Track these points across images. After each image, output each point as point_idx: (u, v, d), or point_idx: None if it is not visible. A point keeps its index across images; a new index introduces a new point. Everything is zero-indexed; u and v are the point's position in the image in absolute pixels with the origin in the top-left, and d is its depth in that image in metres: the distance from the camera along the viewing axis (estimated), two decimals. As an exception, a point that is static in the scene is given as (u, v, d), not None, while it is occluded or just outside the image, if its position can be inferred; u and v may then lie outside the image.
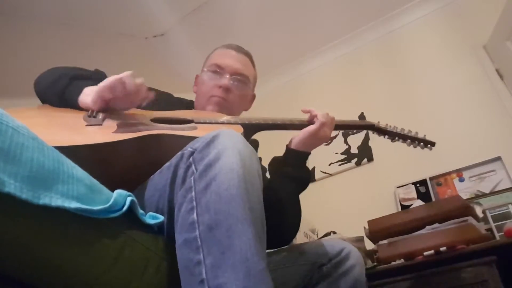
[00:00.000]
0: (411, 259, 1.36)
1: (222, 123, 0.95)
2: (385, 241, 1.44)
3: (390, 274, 1.36)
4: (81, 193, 0.46)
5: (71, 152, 0.63)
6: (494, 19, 2.02)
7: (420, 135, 1.17)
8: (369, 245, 1.59)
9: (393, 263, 1.40)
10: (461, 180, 1.96)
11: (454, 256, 1.25)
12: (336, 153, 2.46)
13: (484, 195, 1.83)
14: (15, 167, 0.40)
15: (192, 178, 0.56)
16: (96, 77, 0.96)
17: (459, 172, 1.98)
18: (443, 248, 1.28)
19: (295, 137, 1.02)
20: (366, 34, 2.73)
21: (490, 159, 1.90)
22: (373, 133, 1.18)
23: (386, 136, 1.17)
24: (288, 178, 0.99)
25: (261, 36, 2.67)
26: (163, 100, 1.10)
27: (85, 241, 0.48)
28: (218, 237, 0.50)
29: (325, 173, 2.43)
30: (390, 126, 1.17)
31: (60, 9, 2.09)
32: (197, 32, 2.66)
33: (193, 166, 0.58)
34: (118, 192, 0.53)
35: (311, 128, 1.00)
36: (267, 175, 1.09)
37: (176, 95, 1.21)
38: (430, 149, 1.16)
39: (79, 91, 0.86)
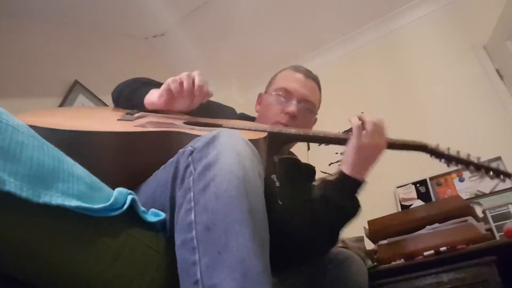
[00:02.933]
0: (411, 259, 1.35)
1: (250, 129, 0.92)
2: (385, 241, 1.44)
3: (390, 274, 1.36)
4: (81, 191, 0.46)
5: (86, 137, 0.66)
6: (494, 19, 2.02)
7: (494, 166, 0.97)
8: (369, 245, 1.59)
9: (393, 263, 1.40)
10: (461, 180, 1.96)
11: (454, 256, 1.25)
12: (336, 153, 2.43)
13: (484, 195, 1.83)
14: (15, 165, 0.40)
15: (191, 178, 0.56)
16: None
17: (459, 172, 1.98)
18: (443, 248, 1.28)
19: (344, 156, 0.92)
20: (366, 34, 2.73)
21: (490, 159, 1.90)
22: (431, 156, 1.01)
23: (443, 160, 1.01)
24: (328, 202, 0.90)
25: (261, 36, 2.67)
26: (227, 114, 1.09)
27: (86, 240, 0.48)
28: (215, 238, 0.50)
29: (325, 173, 2.43)
30: (449, 149, 1.01)
31: (60, 9, 2.09)
32: (197, 32, 2.67)
33: (191, 166, 0.57)
34: (119, 190, 0.53)
35: (350, 142, 0.90)
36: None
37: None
38: (504, 181, 0.96)
39: (147, 92, 0.91)
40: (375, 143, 0.89)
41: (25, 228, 0.42)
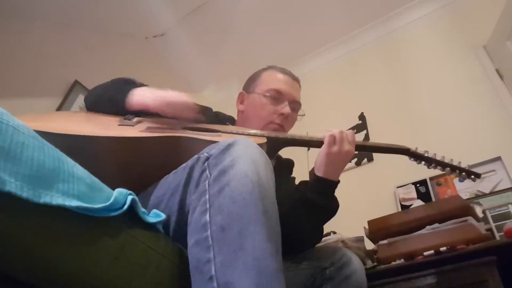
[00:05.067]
0: (411, 259, 1.35)
1: (249, 134, 0.95)
2: (385, 241, 1.44)
3: (390, 274, 1.36)
4: (81, 191, 0.46)
5: (92, 142, 0.66)
6: (494, 19, 2.02)
7: (463, 165, 1.08)
8: (369, 245, 1.59)
9: (393, 263, 1.40)
10: (461, 180, 1.95)
11: (454, 256, 1.25)
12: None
13: (484, 195, 1.83)
14: (15, 166, 0.40)
15: (206, 182, 0.57)
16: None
17: (458, 172, 1.98)
18: (443, 248, 1.28)
19: (316, 160, 0.99)
20: (366, 34, 2.73)
21: (490, 159, 1.90)
22: (410, 159, 1.11)
23: (423, 162, 1.10)
24: (307, 203, 0.97)
25: (261, 36, 2.67)
26: (204, 115, 1.11)
27: (86, 240, 0.48)
28: (230, 237, 0.51)
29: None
30: (427, 152, 1.10)
31: (60, 9, 2.09)
32: (197, 32, 2.67)
33: (207, 171, 0.59)
34: (119, 190, 0.53)
35: (322, 149, 0.97)
36: None
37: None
38: (474, 180, 1.09)
39: (127, 91, 0.90)
40: (344, 150, 0.96)
41: (26, 228, 0.42)
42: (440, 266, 1.27)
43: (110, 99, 0.92)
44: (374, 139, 2.35)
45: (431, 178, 2.03)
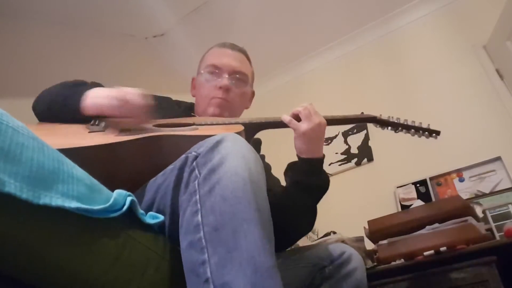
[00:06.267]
0: (411, 259, 1.36)
1: (223, 123, 0.94)
2: (385, 241, 1.44)
3: (390, 274, 1.36)
4: (81, 192, 0.46)
5: (73, 154, 0.63)
6: (494, 19, 2.01)
7: (424, 125, 1.13)
8: (369, 245, 1.59)
9: (393, 263, 1.40)
10: (461, 180, 1.96)
11: (454, 256, 1.25)
12: (336, 153, 2.46)
13: (484, 195, 1.83)
14: (15, 167, 0.40)
15: (196, 182, 0.56)
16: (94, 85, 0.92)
17: (459, 172, 1.98)
18: (443, 248, 1.28)
19: (295, 144, 0.97)
20: (366, 34, 2.73)
21: (490, 159, 1.90)
22: (376, 126, 1.12)
23: (389, 128, 1.11)
24: (299, 187, 0.96)
25: (261, 36, 2.67)
26: (164, 106, 1.08)
27: (85, 241, 0.48)
28: (224, 238, 0.50)
29: (325, 173, 2.43)
30: (392, 117, 1.11)
31: (60, 9, 2.09)
32: (197, 32, 2.66)
33: (196, 170, 0.58)
34: (118, 192, 0.53)
35: (296, 130, 0.95)
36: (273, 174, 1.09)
37: (176, 95, 1.20)
38: (436, 137, 1.12)
39: (80, 95, 0.84)
40: (315, 123, 0.94)
41: (25, 229, 0.42)
42: (440, 266, 1.27)
43: (64, 105, 0.84)
44: (374, 139, 2.35)
45: (431, 178, 2.03)
